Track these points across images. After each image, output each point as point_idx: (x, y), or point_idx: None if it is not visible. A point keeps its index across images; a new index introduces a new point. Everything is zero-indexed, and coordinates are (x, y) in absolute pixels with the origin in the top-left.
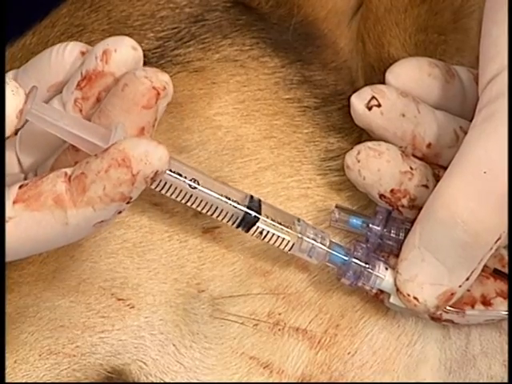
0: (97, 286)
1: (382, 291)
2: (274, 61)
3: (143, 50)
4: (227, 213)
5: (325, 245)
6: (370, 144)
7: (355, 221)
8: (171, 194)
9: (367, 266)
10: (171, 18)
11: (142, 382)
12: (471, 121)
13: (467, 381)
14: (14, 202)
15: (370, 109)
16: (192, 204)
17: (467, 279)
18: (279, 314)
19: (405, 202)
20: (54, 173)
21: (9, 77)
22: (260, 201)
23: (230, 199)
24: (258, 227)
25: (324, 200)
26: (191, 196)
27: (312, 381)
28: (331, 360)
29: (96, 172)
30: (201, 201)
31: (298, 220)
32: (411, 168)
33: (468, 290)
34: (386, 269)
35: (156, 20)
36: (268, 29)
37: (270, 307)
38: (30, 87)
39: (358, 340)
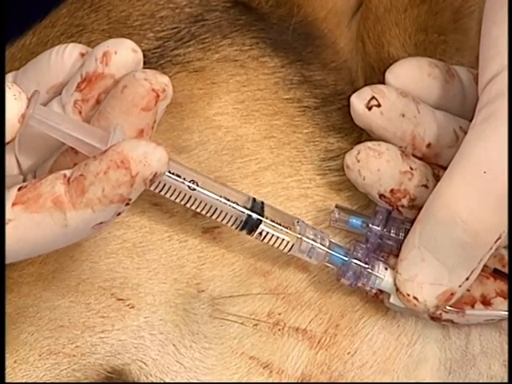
0: (96, 285)
1: (381, 291)
2: (274, 61)
3: (143, 50)
4: (226, 214)
5: (324, 245)
6: (369, 144)
7: (355, 221)
8: (170, 196)
9: (367, 266)
10: (171, 18)
11: (142, 382)
12: (471, 121)
13: (467, 381)
14: (13, 204)
15: (369, 109)
16: (191, 205)
17: (467, 279)
18: (279, 314)
19: (405, 202)
20: (53, 175)
21: (8, 79)
22: (263, 203)
23: (229, 200)
24: (260, 229)
25: (324, 200)
26: (190, 197)
27: (312, 381)
28: (331, 360)
29: (95, 174)
30: (200, 202)
31: (298, 220)
32: (411, 168)
33: (468, 290)
34: (386, 269)
35: (156, 20)
36: (268, 29)
37: (270, 307)
38: (31, 91)
39: (357, 340)
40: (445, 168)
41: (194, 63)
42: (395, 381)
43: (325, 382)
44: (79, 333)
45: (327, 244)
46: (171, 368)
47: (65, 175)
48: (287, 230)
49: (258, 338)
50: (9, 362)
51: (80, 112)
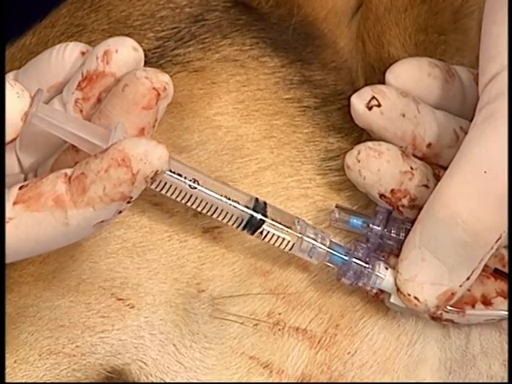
0: (97, 285)
1: (382, 291)
2: (274, 61)
3: (143, 50)
4: (227, 213)
5: (325, 245)
6: (370, 144)
7: (355, 221)
8: (171, 195)
9: (367, 265)
10: (171, 17)
11: (142, 382)
12: (471, 121)
13: (467, 381)
14: (15, 203)
15: (370, 109)
16: (192, 204)
17: (468, 279)
18: (279, 314)
19: (405, 201)
20: (54, 173)
21: (9, 78)
22: (265, 203)
23: (230, 199)
24: (261, 228)
25: (324, 200)
26: (191, 196)
27: (312, 381)
28: (331, 360)
29: (96, 172)
30: (201, 201)
31: (298, 220)
32: (411, 168)
33: (468, 290)
34: (387, 268)
35: (156, 20)
36: (268, 29)
37: (270, 307)
38: (32, 90)
39: (357, 340)
40: (445, 168)
41: (194, 63)
42: (395, 381)
43: (325, 382)
44: (79, 333)
45: (328, 243)
46: (171, 368)
47: (66, 174)
48: (288, 230)
49: (258, 338)
50: (9, 362)
51: (81, 110)
